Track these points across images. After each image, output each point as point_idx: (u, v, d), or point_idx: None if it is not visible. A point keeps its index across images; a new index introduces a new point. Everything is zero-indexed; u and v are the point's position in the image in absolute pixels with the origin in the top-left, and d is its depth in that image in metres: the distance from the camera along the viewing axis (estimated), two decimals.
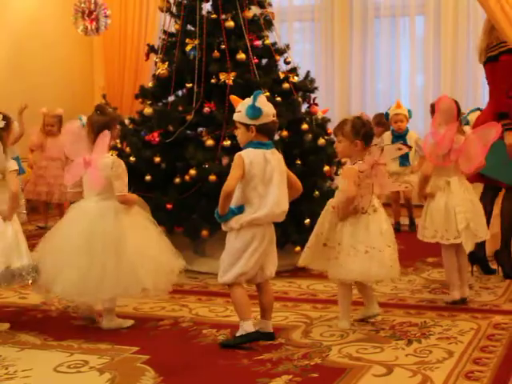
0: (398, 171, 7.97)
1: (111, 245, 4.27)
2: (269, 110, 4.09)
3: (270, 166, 4.04)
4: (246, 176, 4.01)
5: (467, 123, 5.80)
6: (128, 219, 4.40)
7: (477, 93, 10.00)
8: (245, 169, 4.00)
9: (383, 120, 8.42)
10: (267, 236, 4.10)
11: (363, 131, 4.34)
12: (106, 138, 4.37)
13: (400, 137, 7.97)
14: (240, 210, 4.05)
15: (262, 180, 4.02)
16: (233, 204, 4.05)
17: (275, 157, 4.10)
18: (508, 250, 5.61)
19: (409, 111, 8.24)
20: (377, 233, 4.31)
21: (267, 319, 4.19)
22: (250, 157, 4.03)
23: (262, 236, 4.07)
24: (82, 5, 9.55)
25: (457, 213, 4.79)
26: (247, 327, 4.06)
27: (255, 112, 4.04)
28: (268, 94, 6.08)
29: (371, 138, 4.41)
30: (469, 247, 4.82)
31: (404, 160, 7.95)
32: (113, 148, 6.39)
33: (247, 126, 4.08)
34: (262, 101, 4.09)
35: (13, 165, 4.50)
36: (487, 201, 5.59)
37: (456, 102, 4.94)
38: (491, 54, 5.58)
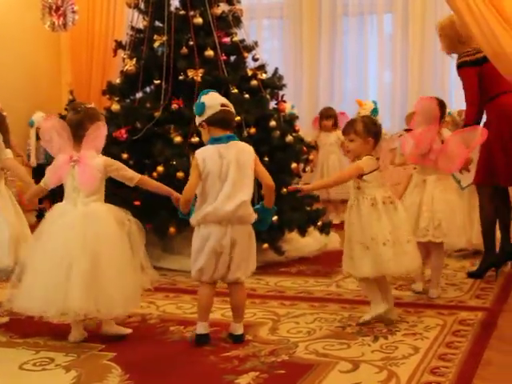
0: None
1: (92, 257, 3.98)
2: (213, 101, 4.02)
3: (225, 161, 3.96)
4: (202, 174, 3.96)
5: None
6: (113, 225, 4.10)
7: (444, 91, 10.06)
8: (199, 168, 3.95)
9: (331, 112, 8.82)
10: (228, 237, 3.97)
11: (374, 129, 4.41)
12: (93, 133, 4.12)
13: None
14: None
15: (219, 176, 3.95)
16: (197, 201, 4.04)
17: (232, 151, 3.98)
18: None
19: (373, 110, 8.26)
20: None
21: (235, 322, 4.14)
22: (203, 154, 3.98)
23: (221, 235, 3.96)
24: (50, 0, 9.46)
25: (423, 211, 4.90)
26: (198, 328, 4.06)
27: (198, 108, 4.03)
28: (236, 90, 6.09)
29: (379, 136, 4.45)
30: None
31: None
32: None
33: (200, 125, 4.06)
34: (207, 96, 4.05)
35: (8, 153, 4.45)
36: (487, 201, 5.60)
37: (440, 103, 5.02)
38: (457, 62, 5.66)
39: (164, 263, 5.89)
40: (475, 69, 5.47)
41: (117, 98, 6.36)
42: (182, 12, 6.31)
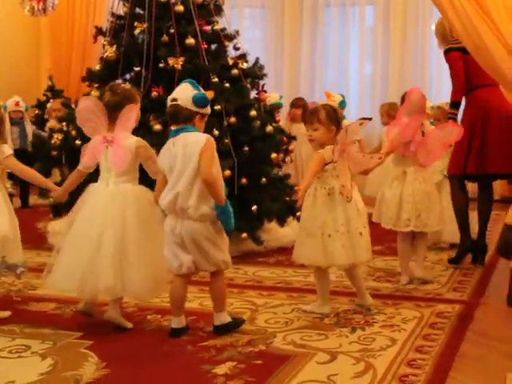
0: None
1: (121, 237, 4.02)
2: (169, 97, 4.07)
3: (172, 154, 3.95)
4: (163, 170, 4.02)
5: None
6: (142, 207, 4.13)
7: (424, 83, 10.11)
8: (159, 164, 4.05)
9: (300, 102, 8.91)
10: (178, 230, 3.94)
11: (336, 117, 4.41)
12: (127, 114, 4.13)
13: None
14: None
15: (170, 170, 3.95)
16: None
17: (179, 143, 3.94)
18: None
19: (341, 102, 8.32)
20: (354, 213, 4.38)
21: (215, 311, 4.10)
22: (161, 151, 4.05)
23: (171, 228, 3.97)
24: None
25: (405, 202, 5.02)
26: (172, 323, 4.06)
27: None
28: (217, 79, 6.07)
29: (341, 124, 4.45)
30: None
31: None
32: (59, 131, 6.35)
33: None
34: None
35: (7, 150, 4.40)
36: (458, 190, 5.78)
37: (424, 98, 5.12)
38: (444, 49, 5.82)
39: None
40: (461, 54, 5.59)
41: (96, 85, 6.31)
42: None
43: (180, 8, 6.22)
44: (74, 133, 6.05)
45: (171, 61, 6.03)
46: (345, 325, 4.21)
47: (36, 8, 9.21)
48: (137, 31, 6.27)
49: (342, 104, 8.39)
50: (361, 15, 10.49)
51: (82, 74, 7.10)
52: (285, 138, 6.65)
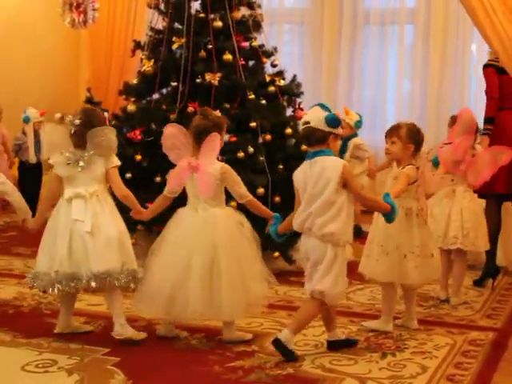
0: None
1: (211, 262, 4.11)
2: (301, 120, 4.19)
3: (307, 177, 4.02)
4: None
5: None
6: (231, 232, 4.22)
7: (463, 103, 10.00)
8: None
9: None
10: (303, 247, 4.11)
11: (417, 137, 4.54)
12: (213, 142, 4.18)
13: (344, 140, 8.12)
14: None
15: (304, 191, 4.03)
16: None
17: (317, 166, 4.00)
18: None
19: (357, 122, 8.29)
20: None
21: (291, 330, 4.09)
22: (296, 172, 4.14)
23: (302, 243, 4.13)
24: None
25: (452, 221, 5.15)
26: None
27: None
28: (253, 96, 6.05)
29: (421, 145, 4.57)
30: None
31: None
32: None
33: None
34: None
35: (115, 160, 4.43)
36: (492, 211, 5.75)
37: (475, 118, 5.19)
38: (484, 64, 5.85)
39: None
40: (496, 71, 5.62)
41: (133, 99, 6.33)
42: (202, 15, 6.27)
43: (218, 24, 6.21)
44: None
45: (208, 76, 6.02)
46: (375, 350, 4.14)
47: (76, 20, 9.26)
48: (175, 46, 6.27)
49: (358, 124, 8.30)
50: (400, 33, 10.42)
51: (119, 87, 7.12)
52: None
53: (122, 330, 4.12)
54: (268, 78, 6.37)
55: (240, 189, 4.27)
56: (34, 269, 4.21)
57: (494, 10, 4.84)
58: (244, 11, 6.56)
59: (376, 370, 3.81)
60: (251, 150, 5.76)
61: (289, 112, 6.51)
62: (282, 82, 6.44)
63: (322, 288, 3.94)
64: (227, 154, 5.72)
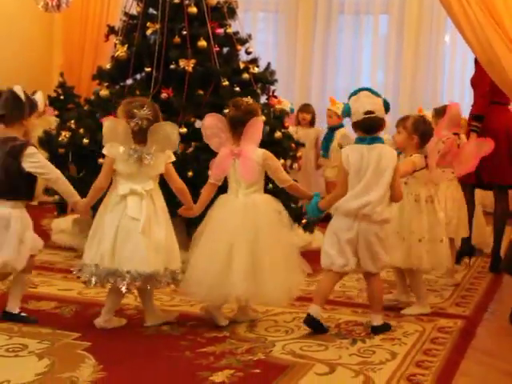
0: (320, 163, 8.73)
1: (255, 246, 4.18)
2: (358, 108, 4.23)
3: (365, 162, 4.17)
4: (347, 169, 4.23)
5: None
6: (272, 218, 4.29)
7: (436, 94, 10.08)
8: (343, 163, 4.22)
9: (310, 108, 9.05)
10: (354, 231, 4.23)
11: (422, 128, 4.77)
12: (253, 128, 4.28)
13: (331, 130, 8.61)
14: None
15: (357, 175, 4.18)
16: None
17: (373, 153, 4.18)
18: (499, 247, 6.13)
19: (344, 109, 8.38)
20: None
21: (373, 312, 4.36)
22: (347, 151, 4.25)
23: (346, 228, 4.25)
24: None
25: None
26: (310, 309, 4.28)
27: (344, 110, 4.41)
28: (227, 83, 6.04)
29: (428, 137, 4.81)
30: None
31: (325, 152, 8.60)
32: (68, 129, 6.32)
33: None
34: (354, 99, 4.29)
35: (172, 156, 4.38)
36: (468, 197, 5.98)
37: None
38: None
39: None
40: None
41: (106, 84, 6.30)
42: (177, 0, 6.23)
43: (193, 10, 6.20)
44: (82, 131, 6.03)
45: (182, 63, 6.00)
46: (345, 336, 4.18)
47: (50, 4, 9.18)
48: (149, 31, 6.25)
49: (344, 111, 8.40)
50: (374, 23, 10.46)
51: (93, 71, 7.08)
52: (293, 145, 6.62)
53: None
54: (242, 66, 6.37)
55: (282, 174, 4.39)
56: (82, 259, 4.19)
57: (469, 1, 4.86)
58: None
59: (346, 355, 3.84)
60: None
61: (263, 99, 6.51)
62: (256, 70, 6.45)
63: (388, 260, 4.29)
64: (200, 140, 5.71)
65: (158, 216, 4.15)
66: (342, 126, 8.52)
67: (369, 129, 4.23)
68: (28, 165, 4.11)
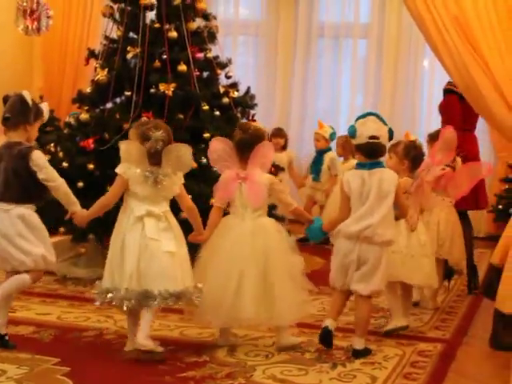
0: (311, 186, 8.64)
1: (264, 269, 4.23)
2: (363, 132, 4.27)
3: (366, 187, 4.26)
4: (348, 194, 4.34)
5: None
6: (279, 240, 4.36)
7: (415, 117, 10.14)
8: (344, 188, 4.32)
9: (282, 132, 8.95)
10: (355, 253, 4.29)
11: (413, 154, 4.93)
12: (262, 153, 4.34)
13: (319, 153, 8.60)
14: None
15: (359, 199, 4.27)
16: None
17: (374, 177, 4.26)
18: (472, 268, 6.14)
19: (332, 134, 8.52)
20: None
21: (355, 335, 4.38)
22: (348, 176, 4.36)
23: (347, 251, 4.31)
24: (24, 3, 9.34)
25: (430, 230, 5.31)
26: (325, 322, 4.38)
27: (349, 131, 4.37)
28: (207, 107, 6.07)
29: (419, 161, 5.00)
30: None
31: (316, 176, 8.56)
32: (47, 152, 6.30)
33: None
34: (361, 123, 4.32)
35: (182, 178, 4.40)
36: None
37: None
38: (445, 87, 6.17)
39: None
40: (458, 98, 5.88)
41: (86, 107, 6.30)
42: (157, 25, 6.27)
43: (173, 34, 6.22)
44: (61, 155, 6.02)
45: (162, 87, 6.02)
46: (325, 360, 4.17)
47: (30, 27, 9.16)
48: (129, 55, 6.26)
49: (332, 136, 8.61)
50: (354, 47, 10.52)
51: (73, 95, 7.08)
52: (273, 168, 6.62)
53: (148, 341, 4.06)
54: (222, 90, 6.41)
55: (287, 198, 4.50)
56: (101, 283, 4.16)
57: (446, 27, 4.91)
58: (199, 22, 6.58)
59: (326, 380, 3.84)
60: (204, 160, 5.77)
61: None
62: (236, 94, 6.48)
63: (381, 287, 4.34)
64: None
65: (176, 234, 4.18)
66: (329, 149, 8.58)
67: (370, 153, 4.30)
68: (33, 169, 4.13)
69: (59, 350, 4.14)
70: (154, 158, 4.12)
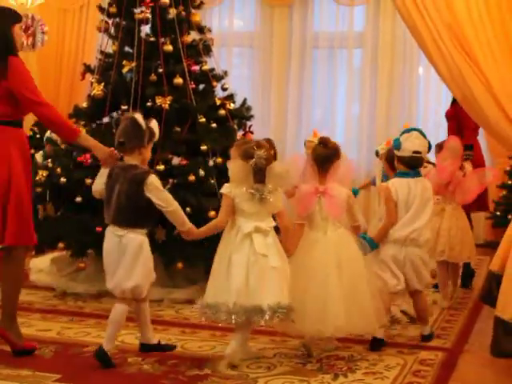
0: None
1: (349, 278, 4.38)
2: (408, 146, 4.67)
3: (412, 194, 4.67)
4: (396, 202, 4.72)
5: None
6: (357, 249, 4.52)
7: (411, 124, 10.09)
8: (392, 196, 4.67)
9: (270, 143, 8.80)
10: (403, 255, 4.68)
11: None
12: (343, 171, 4.49)
13: None
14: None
15: (405, 204, 4.68)
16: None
17: (419, 185, 4.70)
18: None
19: (394, 143, 8.59)
20: None
21: (422, 324, 4.93)
22: (395, 185, 4.69)
23: (394, 253, 4.70)
24: None
25: (440, 236, 5.80)
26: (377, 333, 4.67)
27: (394, 143, 4.79)
28: (204, 119, 6.08)
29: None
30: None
31: None
32: (44, 167, 6.30)
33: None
34: (406, 137, 4.72)
35: None
36: None
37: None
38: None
39: None
40: None
41: (83, 122, 6.30)
42: (152, 39, 6.28)
43: (169, 47, 6.23)
44: (58, 170, 6.02)
45: (159, 100, 6.03)
46: (327, 371, 4.16)
47: (25, 43, 9.21)
48: (125, 69, 6.27)
49: None
50: (349, 57, 10.55)
51: (69, 110, 7.08)
52: None
53: None
54: (218, 102, 6.42)
55: (356, 214, 4.62)
56: (203, 300, 4.21)
57: (441, 35, 4.91)
58: (194, 35, 6.60)
59: None
60: (202, 173, 5.78)
61: (239, 135, 6.54)
62: (232, 106, 6.49)
63: (430, 279, 4.87)
64: (178, 177, 5.73)
65: (278, 249, 4.26)
66: None
67: (413, 166, 4.70)
68: (149, 194, 4.16)
69: (60, 366, 4.14)
70: (259, 176, 4.22)
